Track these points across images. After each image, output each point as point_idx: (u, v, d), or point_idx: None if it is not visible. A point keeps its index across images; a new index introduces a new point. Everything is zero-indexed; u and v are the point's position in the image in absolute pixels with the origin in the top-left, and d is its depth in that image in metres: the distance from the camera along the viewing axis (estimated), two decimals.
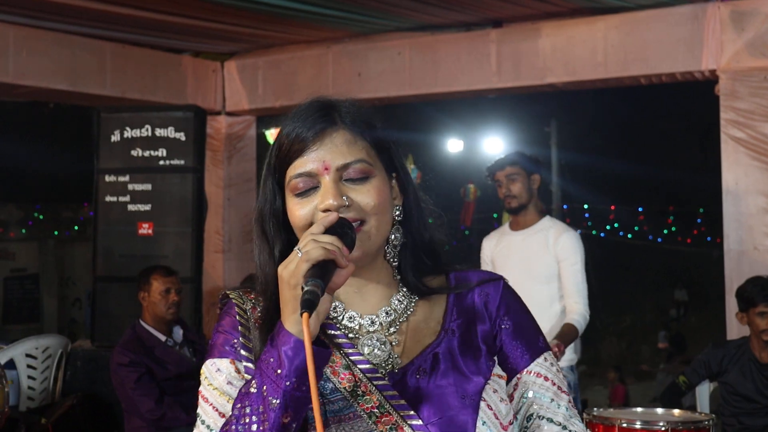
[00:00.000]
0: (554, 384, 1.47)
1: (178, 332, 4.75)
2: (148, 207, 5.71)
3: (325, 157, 1.39)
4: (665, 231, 18.68)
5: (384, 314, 1.45)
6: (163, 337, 4.66)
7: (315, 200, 1.38)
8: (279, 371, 1.26)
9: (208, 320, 6.34)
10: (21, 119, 10.99)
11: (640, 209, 18.27)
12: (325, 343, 1.33)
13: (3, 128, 10.63)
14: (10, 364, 5.22)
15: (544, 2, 5.37)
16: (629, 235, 18.65)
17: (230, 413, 1.31)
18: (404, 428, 1.34)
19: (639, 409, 3.89)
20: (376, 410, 1.35)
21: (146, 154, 5.74)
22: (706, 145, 13.78)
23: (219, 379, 1.41)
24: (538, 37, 5.69)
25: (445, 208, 1.61)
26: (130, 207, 5.73)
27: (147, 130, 5.75)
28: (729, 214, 5.12)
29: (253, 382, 1.29)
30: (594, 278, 4.44)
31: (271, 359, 1.28)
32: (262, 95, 6.78)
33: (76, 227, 14.43)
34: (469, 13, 5.69)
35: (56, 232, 14.29)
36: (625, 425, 3.47)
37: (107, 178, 5.79)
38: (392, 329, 1.44)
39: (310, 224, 1.36)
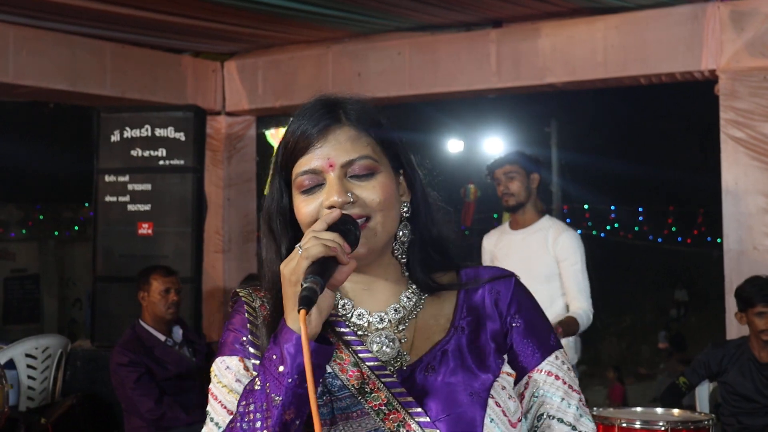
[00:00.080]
0: (565, 383, 1.46)
1: (178, 332, 4.75)
2: (147, 207, 5.71)
3: (329, 153, 1.39)
4: (665, 231, 18.68)
5: (393, 311, 1.45)
6: (162, 337, 4.66)
7: (321, 197, 1.39)
8: (281, 368, 1.27)
9: (207, 320, 6.34)
10: (21, 119, 11.00)
11: (640, 209, 18.28)
12: (328, 340, 1.34)
13: (3, 128, 10.64)
14: (10, 364, 5.22)
15: (544, 2, 5.37)
16: (629, 235, 18.66)
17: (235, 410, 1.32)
18: (412, 425, 1.34)
19: (639, 409, 3.90)
20: (383, 407, 1.36)
21: (146, 154, 5.74)
22: (706, 145, 13.77)
23: (228, 377, 1.42)
24: (537, 37, 5.69)
25: None
26: (130, 207, 5.73)
27: (147, 130, 5.75)
28: (729, 214, 5.12)
29: (257, 379, 1.31)
30: (594, 278, 4.44)
31: (274, 356, 1.29)
32: (262, 95, 6.78)
33: (76, 227, 14.44)
34: (469, 13, 5.69)
35: (56, 233, 14.31)
36: (624, 425, 3.47)
37: (107, 178, 5.79)
38: (401, 326, 1.44)
39: (317, 221, 1.36)
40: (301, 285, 1.24)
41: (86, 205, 13.00)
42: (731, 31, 5.08)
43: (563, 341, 3.98)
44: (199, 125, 5.88)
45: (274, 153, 1.48)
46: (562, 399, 1.45)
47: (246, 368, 1.42)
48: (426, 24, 5.96)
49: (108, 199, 5.78)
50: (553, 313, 4.21)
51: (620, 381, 12.07)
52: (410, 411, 1.35)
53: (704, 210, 17.49)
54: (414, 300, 1.47)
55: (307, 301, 1.22)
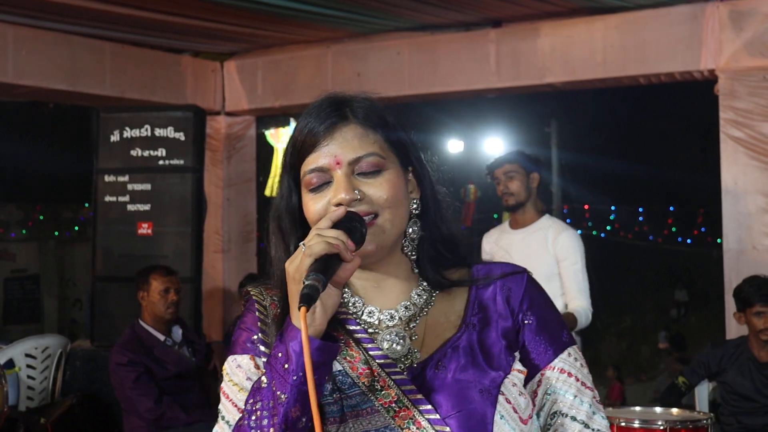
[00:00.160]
0: (578, 380, 1.46)
1: (177, 332, 4.75)
2: (147, 207, 5.71)
3: (336, 151, 1.39)
4: (665, 231, 18.68)
5: (403, 309, 1.45)
6: (162, 337, 4.66)
7: (328, 195, 1.39)
8: (286, 366, 1.28)
9: (207, 320, 6.34)
10: (21, 119, 11.00)
11: (640, 209, 18.27)
12: (334, 337, 1.34)
13: (3, 128, 10.65)
14: (10, 364, 5.22)
15: (544, 2, 5.37)
16: (629, 236, 18.66)
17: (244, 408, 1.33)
18: (422, 422, 1.34)
19: (638, 408, 3.90)
20: (394, 405, 1.35)
21: (146, 154, 5.74)
22: (705, 145, 13.76)
23: (239, 376, 1.43)
24: (537, 37, 5.69)
25: None
26: (130, 207, 5.73)
27: (146, 130, 5.75)
28: (728, 213, 5.12)
29: (264, 377, 1.31)
30: (594, 278, 4.44)
31: (280, 354, 1.29)
32: (262, 95, 6.78)
33: (76, 227, 14.44)
34: (469, 13, 5.69)
35: (56, 233, 14.31)
36: (623, 424, 3.48)
37: (107, 178, 5.79)
38: (412, 324, 1.44)
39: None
40: (303, 282, 1.25)
41: (86, 205, 13.00)
42: (730, 31, 5.08)
43: None
44: (199, 125, 5.88)
45: (283, 152, 1.48)
46: (575, 396, 1.45)
47: (257, 366, 1.42)
48: (425, 24, 5.97)
49: (108, 199, 5.78)
50: None
51: (620, 380, 12.07)
52: (420, 408, 1.35)
53: (704, 210, 17.49)
54: (424, 297, 1.47)
55: (307, 299, 1.22)
